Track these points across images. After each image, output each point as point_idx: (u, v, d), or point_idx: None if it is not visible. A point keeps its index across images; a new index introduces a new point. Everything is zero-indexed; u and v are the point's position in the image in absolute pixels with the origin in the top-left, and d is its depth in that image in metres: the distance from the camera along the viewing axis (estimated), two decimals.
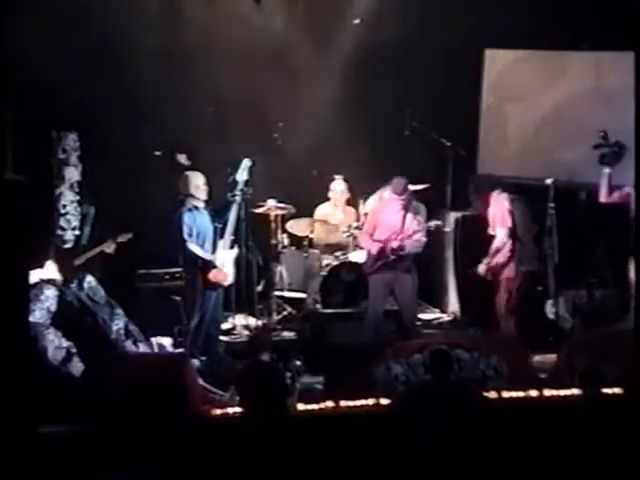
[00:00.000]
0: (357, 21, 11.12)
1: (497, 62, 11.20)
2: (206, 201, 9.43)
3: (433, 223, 9.51)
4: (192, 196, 9.35)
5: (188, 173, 9.45)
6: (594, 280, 9.98)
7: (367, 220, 9.88)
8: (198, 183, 9.37)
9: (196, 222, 9.33)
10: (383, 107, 10.95)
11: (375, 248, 9.39)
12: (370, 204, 10.52)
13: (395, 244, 9.27)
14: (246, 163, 9.62)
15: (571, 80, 10.87)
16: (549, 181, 9.53)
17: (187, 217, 9.30)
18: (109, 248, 9.43)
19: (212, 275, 9.28)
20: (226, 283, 9.43)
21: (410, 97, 10.92)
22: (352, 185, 11.08)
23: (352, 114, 10.84)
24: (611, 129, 9.74)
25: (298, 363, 7.99)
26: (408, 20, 10.68)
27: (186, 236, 9.26)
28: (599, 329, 9.16)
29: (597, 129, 9.79)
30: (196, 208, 9.35)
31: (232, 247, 9.48)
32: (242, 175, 9.59)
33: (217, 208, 9.51)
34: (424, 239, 9.36)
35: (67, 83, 9.76)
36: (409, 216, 9.37)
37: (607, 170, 9.38)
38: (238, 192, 9.50)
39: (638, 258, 8.20)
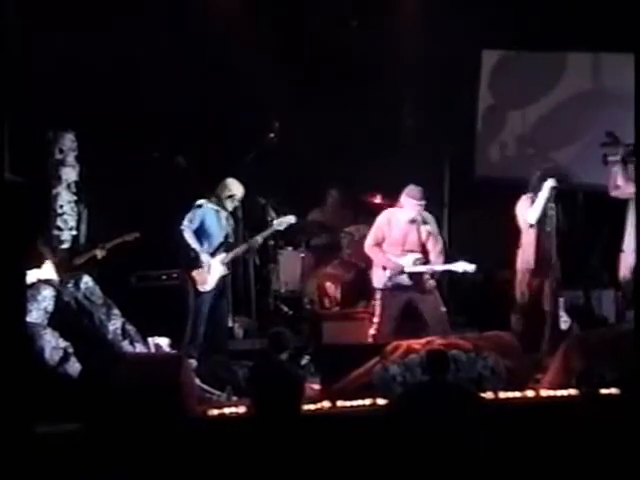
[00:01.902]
0: (355, 23, 11.14)
1: (494, 62, 11.21)
2: (232, 212, 9.34)
3: (462, 266, 8.97)
4: (220, 200, 9.26)
5: (230, 180, 9.30)
6: (591, 281, 10.01)
7: (371, 231, 9.25)
8: (235, 193, 9.26)
9: (207, 220, 9.24)
10: (379, 108, 10.96)
11: (388, 263, 9.03)
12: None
13: (413, 269, 8.96)
14: (290, 219, 9.51)
15: (568, 81, 10.89)
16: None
17: (201, 210, 9.22)
18: (100, 253, 9.49)
19: (196, 272, 9.21)
20: (202, 288, 9.24)
21: (407, 98, 10.95)
22: (349, 186, 11.11)
23: (349, 115, 10.86)
24: (608, 130, 9.74)
25: (307, 357, 7.96)
26: (406, 21, 10.72)
27: (186, 222, 9.19)
28: (596, 330, 9.16)
29: (594, 130, 9.81)
30: (217, 211, 9.29)
31: (227, 266, 9.38)
32: (279, 225, 9.49)
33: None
34: (441, 259, 9.02)
35: (64, 82, 9.77)
36: (419, 227, 9.07)
37: (614, 168, 9.35)
38: (260, 238, 9.45)
39: (638, 258, 8.21)
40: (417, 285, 9.05)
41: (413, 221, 9.05)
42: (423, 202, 8.99)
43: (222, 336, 9.50)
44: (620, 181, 9.24)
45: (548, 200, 8.99)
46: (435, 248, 9.08)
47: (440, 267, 9.05)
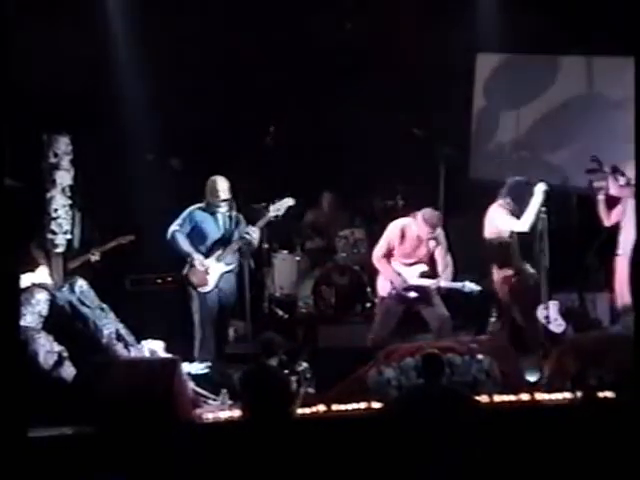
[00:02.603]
0: (349, 25, 11.15)
1: (489, 66, 11.23)
2: (230, 204, 9.23)
3: (468, 286, 9.02)
4: (212, 202, 9.18)
5: (213, 177, 9.23)
6: (585, 283, 10.01)
7: (380, 242, 9.16)
8: (218, 188, 9.17)
9: (200, 223, 9.20)
10: (377, 110, 10.96)
11: (395, 278, 9.02)
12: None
13: (419, 282, 8.98)
14: (288, 202, 9.35)
15: (563, 84, 10.91)
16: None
17: (192, 214, 9.18)
18: (94, 257, 9.47)
19: (193, 275, 9.20)
20: (203, 289, 9.21)
21: (403, 100, 10.96)
22: (344, 188, 11.12)
23: (347, 117, 10.87)
24: (602, 134, 9.76)
25: (305, 365, 7.93)
26: (401, 23, 10.73)
27: (177, 226, 9.15)
28: (590, 333, 9.16)
29: (588, 133, 9.81)
30: (212, 213, 9.24)
31: (229, 264, 9.29)
32: (277, 210, 9.31)
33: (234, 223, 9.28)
34: (448, 274, 9.01)
35: (59, 85, 9.77)
36: (429, 241, 9.02)
37: (601, 197, 9.41)
38: (256, 229, 9.25)
39: (638, 261, 8.22)
40: (420, 297, 9.06)
41: (428, 239, 9.04)
42: (438, 231, 8.97)
43: (224, 338, 9.48)
44: (613, 190, 9.29)
45: (541, 205, 9.01)
46: (443, 262, 9.07)
47: (446, 284, 9.04)
